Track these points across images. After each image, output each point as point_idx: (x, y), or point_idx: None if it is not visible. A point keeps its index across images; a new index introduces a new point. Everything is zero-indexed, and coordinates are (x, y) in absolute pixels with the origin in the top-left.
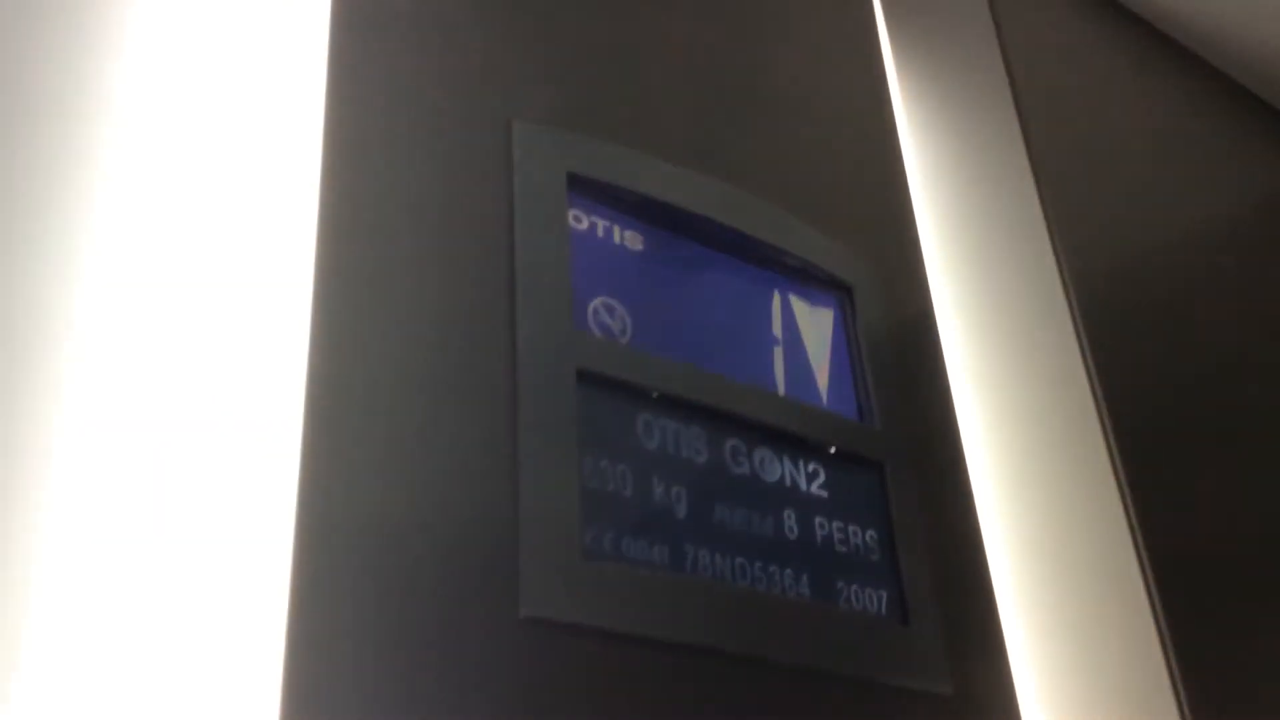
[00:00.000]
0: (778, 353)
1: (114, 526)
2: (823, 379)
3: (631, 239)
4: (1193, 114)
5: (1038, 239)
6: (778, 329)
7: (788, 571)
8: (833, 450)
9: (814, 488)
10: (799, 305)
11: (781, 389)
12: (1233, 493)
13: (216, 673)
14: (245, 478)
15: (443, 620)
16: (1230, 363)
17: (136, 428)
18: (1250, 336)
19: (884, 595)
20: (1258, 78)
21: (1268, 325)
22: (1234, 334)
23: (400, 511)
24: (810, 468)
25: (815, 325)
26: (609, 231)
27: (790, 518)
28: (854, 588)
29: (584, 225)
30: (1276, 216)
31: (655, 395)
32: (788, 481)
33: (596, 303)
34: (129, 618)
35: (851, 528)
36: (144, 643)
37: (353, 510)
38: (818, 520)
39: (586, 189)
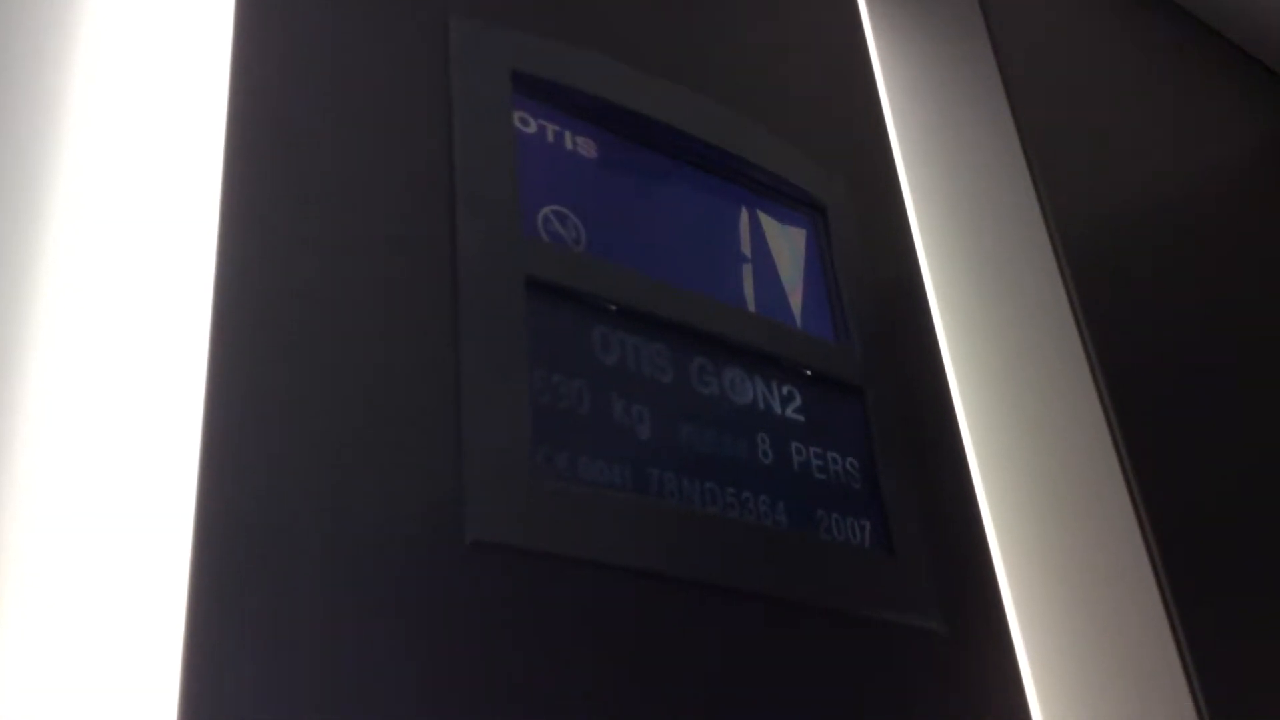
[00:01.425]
0: (747, 271)
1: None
2: (796, 301)
3: (585, 145)
4: (1170, 57)
5: (1015, 163)
6: (746, 247)
7: (762, 498)
8: (809, 373)
9: (789, 411)
10: (769, 223)
11: (752, 308)
12: (1221, 420)
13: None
14: (164, 386)
15: (383, 546)
16: (1213, 297)
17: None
18: (1234, 282)
19: (867, 525)
20: (1237, 27)
21: (1251, 272)
22: (1217, 272)
23: (335, 431)
24: (784, 390)
25: (787, 244)
26: (559, 136)
27: (764, 442)
28: (834, 517)
29: (531, 129)
30: (1257, 167)
31: (613, 307)
32: (760, 404)
33: (546, 210)
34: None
35: (831, 454)
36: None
37: (284, 429)
38: (794, 445)
39: (533, 89)
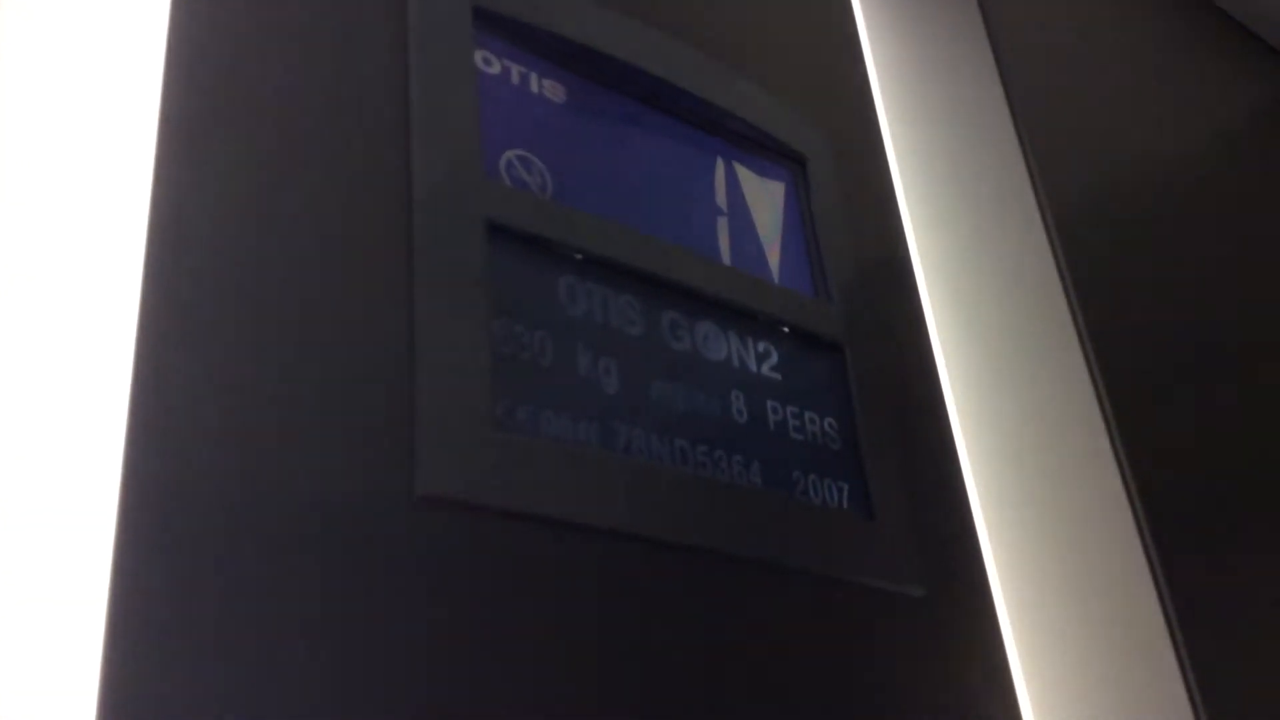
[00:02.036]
0: (722, 224)
1: None
2: (774, 257)
3: (551, 89)
4: (1161, 26)
5: (1001, 121)
6: (722, 199)
7: (736, 458)
8: (786, 329)
9: (765, 369)
10: (745, 175)
11: (727, 262)
12: (1208, 382)
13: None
14: (89, 323)
15: (327, 497)
16: (1204, 260)
17: None
18: (1223, 241)
19: (845, 488)
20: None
21: (1241, 243)
22: (1209, 238)
23: (280, 378)
24: (761, 347)
25: (765, 198)
26: (525, 79)
27: (739, 400)
28: (811, 478)
29: (495, 69)
30: (1249, 140)
31: (579, 256)
32: (735, 361)
33: (510, 155)
34: None
35: (809, 414)
36: None
37: (224, 373)
38: (770, 404)
39: (497, 27)
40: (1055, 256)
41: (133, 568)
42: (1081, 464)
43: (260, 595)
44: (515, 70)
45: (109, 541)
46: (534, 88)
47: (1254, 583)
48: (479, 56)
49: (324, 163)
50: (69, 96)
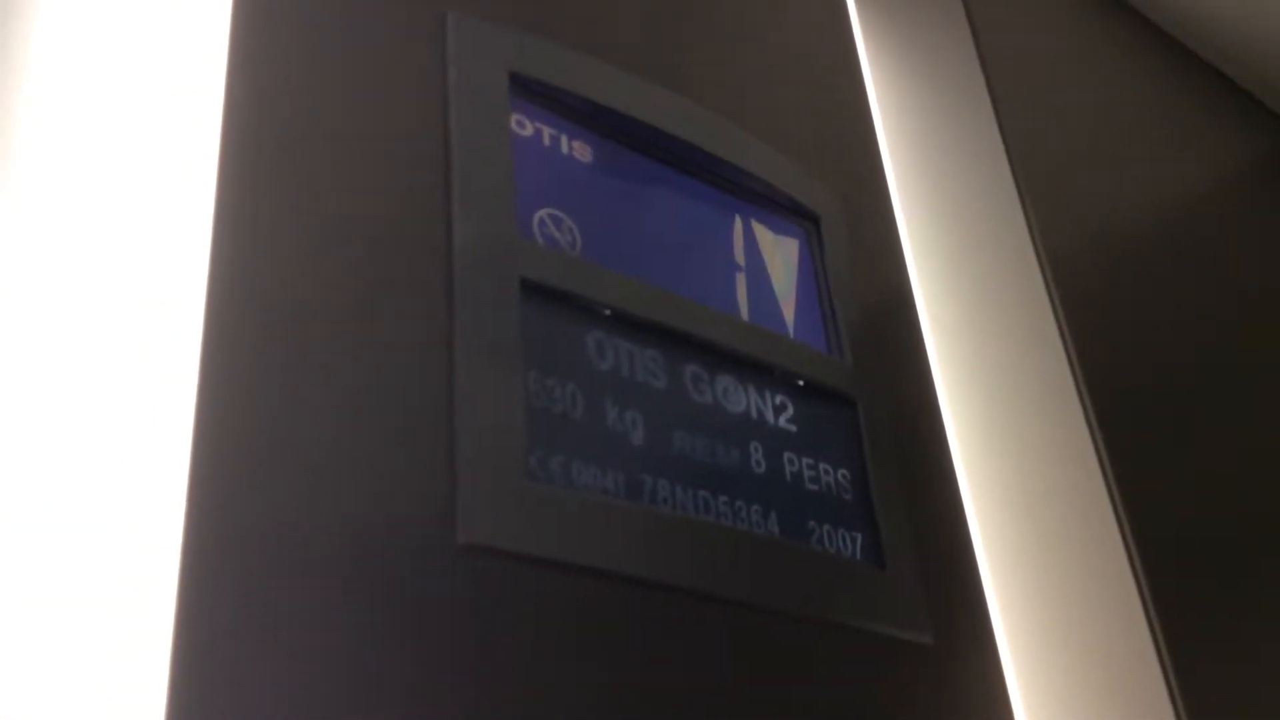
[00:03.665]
0: (740, 280)
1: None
2: (789, 312)
3: (580, 149)
4: (1155, 81)
5: (1002, 180)
6: (740, 256)
7: (755, 508)
8: (801, 383)
9: (782, 421)
10: (762, 232)
11: (745, 317)
12: (1206, 434)
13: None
14: (155, 387)
15: (374, 548)
16: (1197, 312)
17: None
18: (1215, 292)
19: (859, 538)
20: (1221, 54)
21: (1234, 294)
22: (1202, 289)
23: (327, 431)
24: (778, 400)
25: (780, 255)
26: (555, 140)
27: (757, 451)
28: (826, 528)
29: (528, 131)
30: (1235, 191)
31: (608, 312)
32: (754, 413)
33: (542, 214)
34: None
35: (823, 465)
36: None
37: (275, 429)
38: (786, 456)
39: (531, 92)
40: (1055, 313)
41: (193, 615)
42: (1082, 515)
43: (313, 636)
44: (547, 132)
45: (170, 608)
46: (564, 149)
47: (1254, 638)
48: (513, 119)
49: (366, 220)
50: (130, 155)
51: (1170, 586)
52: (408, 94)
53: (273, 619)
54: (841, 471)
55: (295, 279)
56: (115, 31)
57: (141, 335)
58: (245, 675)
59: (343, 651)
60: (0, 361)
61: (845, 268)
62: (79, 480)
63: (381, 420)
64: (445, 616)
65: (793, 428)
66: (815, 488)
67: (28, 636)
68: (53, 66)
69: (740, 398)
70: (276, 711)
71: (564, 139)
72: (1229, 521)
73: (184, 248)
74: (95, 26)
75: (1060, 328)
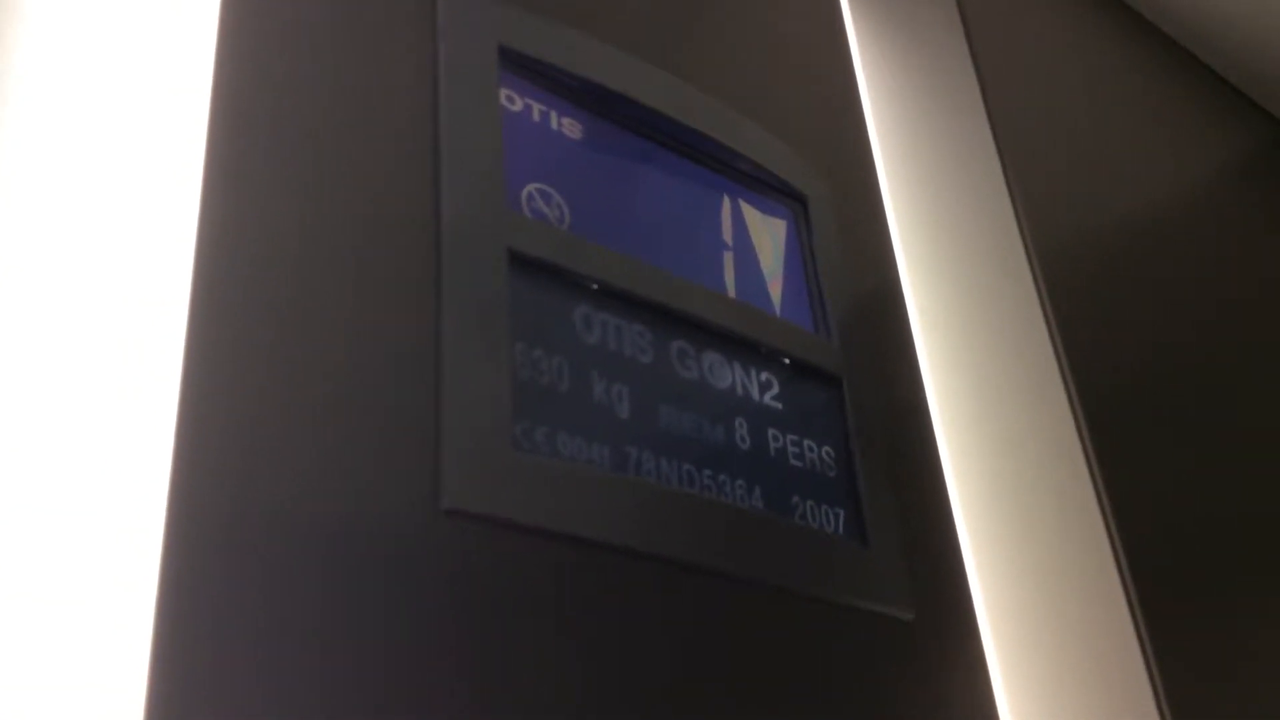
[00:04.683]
0: (728, 258)
1: None
2: (775, 291)
3: (570, 126)
4: (1137, 70)
5: (990, 166)
6: (728, 235)
7: (739, 482)
8: (787, 361)
9: (767, 398)
10: (750, 212)
11: (732, 295)
12: (1188, 421)
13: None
14: (137, 352)
15: (359, 511)
16: (1185, 304)
17: None
18: (1203, 285)
19: (841, 514)
20: (1212, 50)
21: (1226, 292)
22: (1190, 282)
23: (314, 394)
24: (763, 377)
25: (768, 235)
26: (545, 116)
27: (742, 427)
28: (809, 504)
29: (517, 107)
30: (1225, 187)
31: (595, 286)
32: (739, 389)
33: (531, 188)
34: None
35: (807, 442)
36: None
37: (262, 396)
38: (771, 432)
39: (520, 67)
40: (1040, 296)
41: (177, 578)
42: (1064, 495)
43: (298, 602)
44: (536, 108)
45: (155, 565)
46: (554, 125)
47: (1233, 625)
48: (503, 94)
49: (355, 193)
50: (116, 143)
51: (1151, 566)
52: (397, 68)
53: (255, 583)
54: (825, 448)
55: (282, 251)
56: (99, 15)
57: (124, 305)
58: (228, 639)
59: (325, 614)
60: None
61: (832, 248)
62: (62, 470)
63: (369, 387)
64: (428, 581)
65: (778, 405)
66: (799, 464)
67: (11, 632)
68: (38, 60)
69: (726, 374)
70: (258, 675)
71: (554, 115)
72: (1211, 504)
73: (173, 212)
74: (80, 15)
75: (1045, 311)
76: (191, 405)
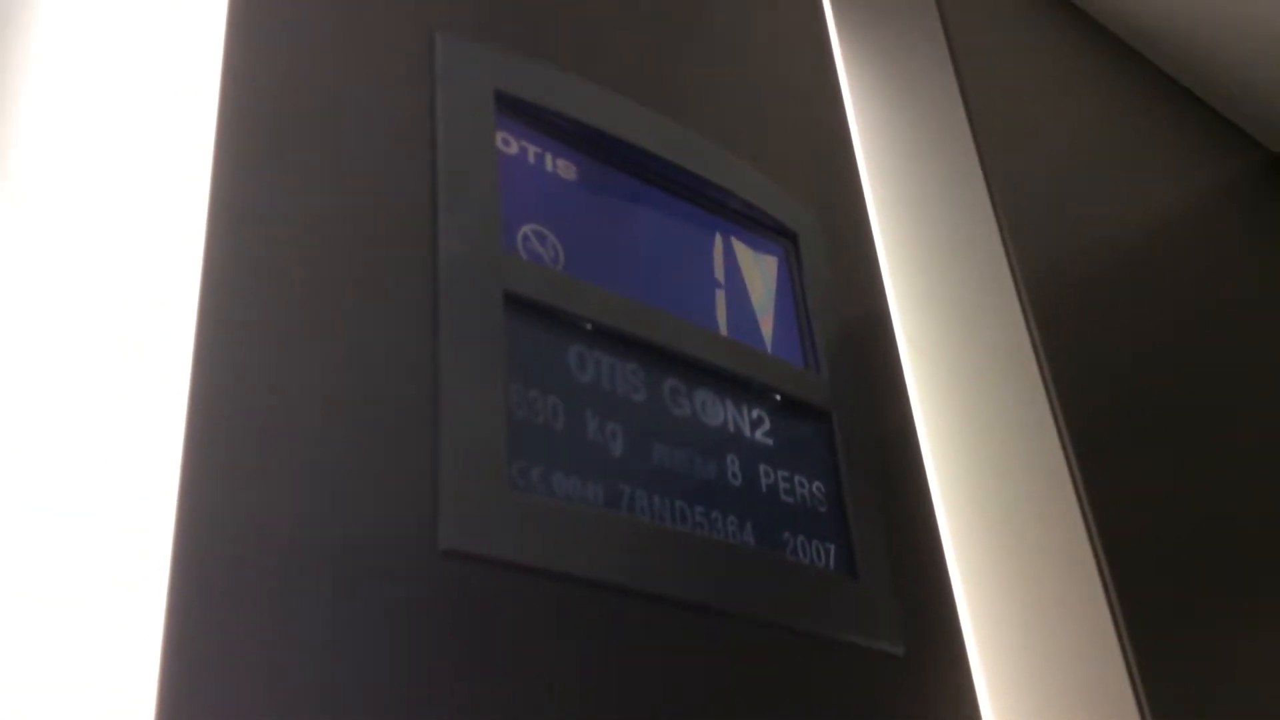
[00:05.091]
0: (719, 296)
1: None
2: (766, 327)
3: (564, 168)
4: (1122, 99)
5: (978, 199)
6: (719, 272)
7: (731, 518)
8: (778, 397)
9: (758, 434)
10: (742, 250)
11: (724, 332)
12: (1175, 449)
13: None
14: (148, 393)
15: (359, 551)
16: (1171, 332)
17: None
18: (1189, 314)
19: (831, 549)
20: (1195, 77)
21: (1207, 311)
22: (1175, 310)
23: (315, 436)
24: (754, 414)
25: (759, 272)
26: (540, 159)
27: (734, 463)
28: (800, 539)
29: (513, 150)
30: (1209, 212)
31: (589, 326)
32: (731, 426)
33: (526, 229)
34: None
35: (798, 478)
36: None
37: (264, 435)
38: (763, 468)
39: (516, 111)
40: (1028, 328)
41: (180, 624)
42: (1053, 529)
43: (299, 637)
44: (531, 150)
45: (159, 611)
46: (548, 166)
47: (1223, 653)
48: (499, 137)
49: (355, 233)
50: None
51: (1141, 595)
52: (397, 112)
53: (258, 621)
54: (816, 484)
55: (285, 291)
56: (108, 56)
57: (135, 352)
58: (231, 677)
59: (327, 652)
60: None
61: (822, 284)
62: (70, 478)
63: (368, 428)
64: (426, 619)
65: (769, 441)
66: (790, 500)
67: (17, 634)
68: (48, 69)
69: (718, 411)
70: (261, 714)
71: (548, 157)
72: (1198, 536)
73: (177, 254)
74: (87, 45)
75: (1033, 343)
76: (194, 452)
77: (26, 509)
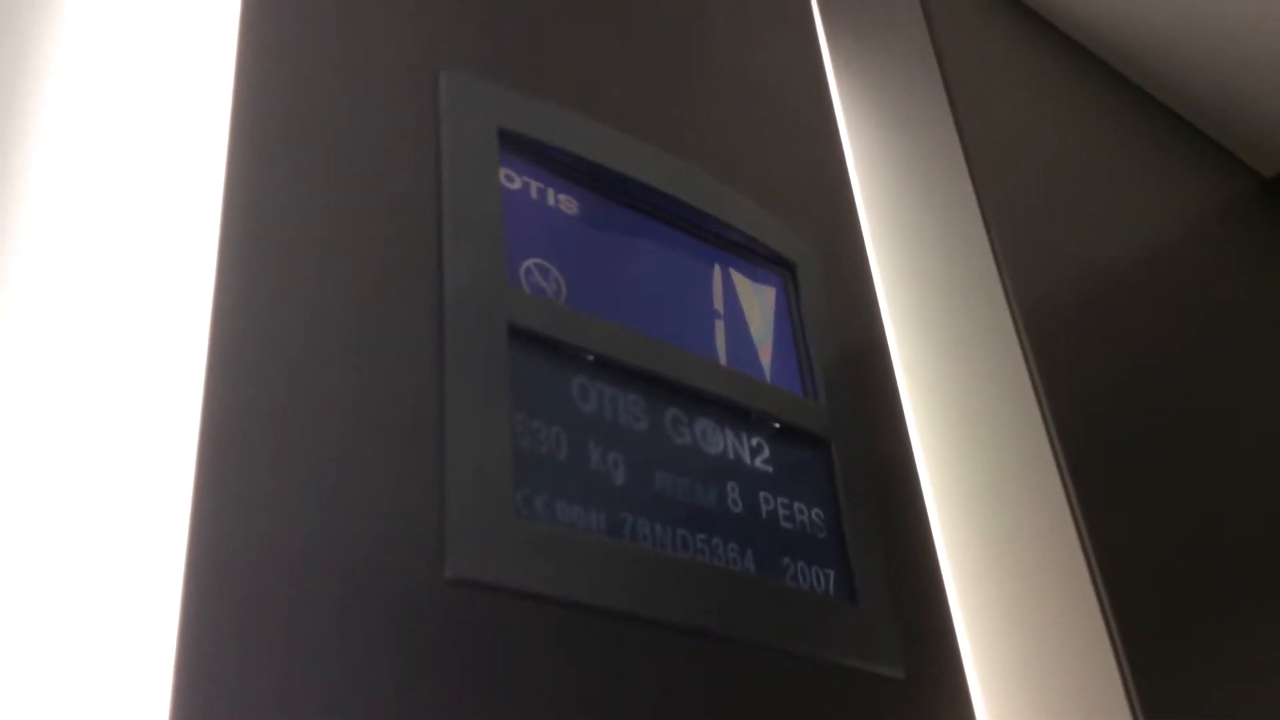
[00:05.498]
0: (719, 326)
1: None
2: (765, 357)
3: (566, 203)
4: (1115, 126)
5: (974, 229)
6: (719, 303)
7: (731, 545)
8: (777, 425)
9: (758, 462)
10: (741, 281)
11: (723, 362)
12: (1172, 472)
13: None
14: (159, 414)
15: (367, 580)
16: (1165, 358)
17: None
18: (1182, 340)
19: (831, 575)
20: (1188, 104)
21: (1200, 331)
22: (1169, 336)
23: (322, 466)
24: (754, 442)
25: (758, 302)
26: (542, 194)
27: (734, 491)
28: (800, 565)
29: (516, 185)
30: (1204, 238)
31: (591, 358)
32: (731, 454)
33: (529, 263)
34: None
35: (798, 505)
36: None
37: (272, 465)
38: (762, 495)
39: (519, 147)
40: (1025, 356)
41: (191, 633)
42: (1052, 553)
43: (306, 666)
44: (534, 186)
45: (171, 634)
46: (551, 202)
47: (1223, 681)
48: (502, 173)
49: (361, 268)
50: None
51: (1140, 619)
52: (401, 149)
53: (266, 647)
54: (815, 510)
55: (293, 324)
56: (118, 84)
57: (144, 378)
58: (239, 704)
59: (334, 682)
60: (5, 364)
61: (820, 314)
62: (82, 487)
63: (375, 458)
64: (433, 647)
65: (769, 468)
66: (790, 526)
67: (25, 642)
68: (61, 72)
69: (718, 440)
70: None
71: (551, 192)
72: (1199, 558)
73: (186, 287)
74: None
75: (1029, 369)
76: (204, 482)
77: (35, 516)
